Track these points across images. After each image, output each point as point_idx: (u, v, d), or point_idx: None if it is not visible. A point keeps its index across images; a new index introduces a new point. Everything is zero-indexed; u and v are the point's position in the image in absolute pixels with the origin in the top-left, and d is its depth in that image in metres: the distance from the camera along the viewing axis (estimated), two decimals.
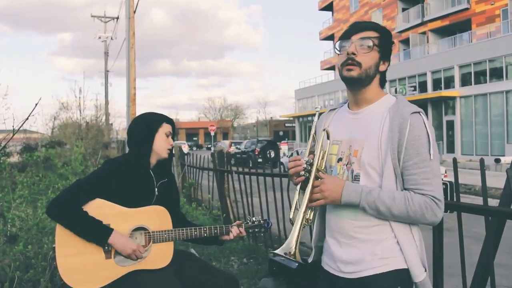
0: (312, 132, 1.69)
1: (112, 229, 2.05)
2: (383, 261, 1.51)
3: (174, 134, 2.35)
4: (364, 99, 1.61)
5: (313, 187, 1.52)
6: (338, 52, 1.62)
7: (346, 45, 1.57)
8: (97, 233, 2.04)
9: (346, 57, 1.55)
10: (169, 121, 2.33)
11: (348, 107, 1.68)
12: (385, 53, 1.59)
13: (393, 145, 1.47)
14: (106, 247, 2.06)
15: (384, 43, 1.58)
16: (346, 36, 1.58)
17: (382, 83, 1.64)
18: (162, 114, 2.33)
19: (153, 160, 2.26)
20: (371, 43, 1.54)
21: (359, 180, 1.54)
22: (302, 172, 1.53)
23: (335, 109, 1.77)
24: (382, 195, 1.47)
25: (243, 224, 2.36)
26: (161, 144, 2.24)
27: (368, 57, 1.54)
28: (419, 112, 1.51)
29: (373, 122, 1.56)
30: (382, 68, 1.60)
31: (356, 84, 1.57)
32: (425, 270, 1.54)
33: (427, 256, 1.59)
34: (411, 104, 1.55)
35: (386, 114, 1.54)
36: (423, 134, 1.47)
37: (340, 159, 1.61)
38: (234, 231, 2.31)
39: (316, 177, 1.54)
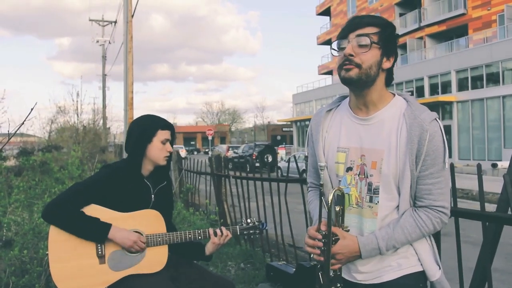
0: (309, 134, 1.64)
1: (110, 224, 2.04)
2: (400, 268, 1.51)
3: (173, 139, 2.27)
4: (369, 102, 1.52)
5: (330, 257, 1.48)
6: (336, 54, 1.51)
7: (343, 45, 1.48)
8: (95, 230, 2.02)
9: (343, 58, 1.46)
10: (166, 126, 2.23)
11: (352, 110, 1.57)
12: (388, 49, 1.48)
13: (412, 156, 1.43)
14: (100, 252, 2.05)
15: (386, 37, 1.47)
16: (343, 34, 1.49)
17: (387, 82, 1.54)
18: (159, 119, 2.23)
19: (150, 167, 2.22)
20: (368, 41, 1.43)
21: (378, 194, 1.48)
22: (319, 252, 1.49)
23: (331, 109, 1.66)
24: (397, 235, 1.46)
25: (237, 227, 2.34)
26: (157, 153, 2.18)
27: (367, 56, 1.44)
28: (435, 119, 1.46)
29: (388, 131, 1.48)
30: (386, 65, 1.50)
31: (357, 85, 1.48)
32: (440, 268, 1.55)
33: None
34: (425, 108, 1.49)
35: (402, 122, 1.47)
36: (440, 143, 1.45)
37: (349, 168, 1.54)
38: (220, 231, 2.28)
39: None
